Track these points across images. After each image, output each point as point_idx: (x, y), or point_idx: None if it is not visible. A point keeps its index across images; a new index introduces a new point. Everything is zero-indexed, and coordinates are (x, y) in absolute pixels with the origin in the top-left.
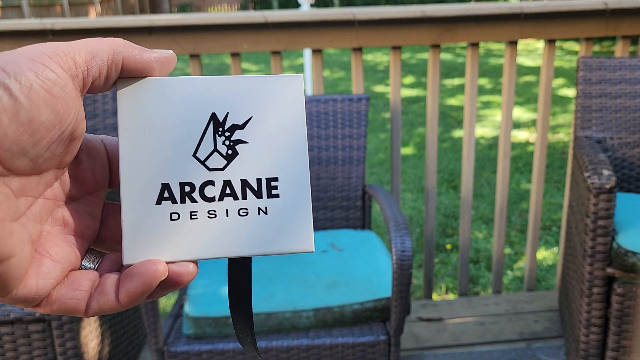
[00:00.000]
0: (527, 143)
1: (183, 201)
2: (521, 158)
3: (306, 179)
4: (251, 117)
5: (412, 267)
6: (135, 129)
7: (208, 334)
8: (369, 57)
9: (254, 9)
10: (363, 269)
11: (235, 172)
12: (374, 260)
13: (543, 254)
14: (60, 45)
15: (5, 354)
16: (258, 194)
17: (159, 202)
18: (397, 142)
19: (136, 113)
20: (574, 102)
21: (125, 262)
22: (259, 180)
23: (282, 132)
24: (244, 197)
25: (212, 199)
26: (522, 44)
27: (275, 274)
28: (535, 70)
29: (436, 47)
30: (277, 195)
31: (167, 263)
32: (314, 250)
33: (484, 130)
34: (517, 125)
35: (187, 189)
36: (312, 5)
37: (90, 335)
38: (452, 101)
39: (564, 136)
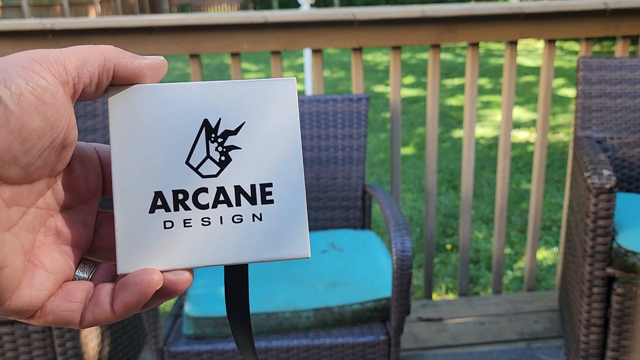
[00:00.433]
0: (527, 143)
1: (177, 209)
2: (521, 158)
3: (301, 183)
4: (244, 122)
5: (412, 267)
6: (127, 137)
7: (208, 334)
8: (369, 57)
9: (254, 9)
10: (363, 269)
11: (229, 179)
12: (374, 260)
13: (543, 254)
14: (51, 52)
15: (5, 354)
16: (252, 200)
17: (152, 211)
18: (397, 142)
19: (128, 121)
20: (574, 102)
21: (120, 271)
22: (252, 187)
23: (275, 137)
24: (238, 203)
25: (205, 207)
26: (522, 44)
27: (275, 274)
28: (535, 70)
29: (436, 47)
30: (271, 201)
31: (162, 272)
32: (309, 256)
33: (484, 130)
34: (517, 125)
35: (181, 196)
36: (312, 5)
37: (90, 335)
38: (452, 101)
39: (564, 136)
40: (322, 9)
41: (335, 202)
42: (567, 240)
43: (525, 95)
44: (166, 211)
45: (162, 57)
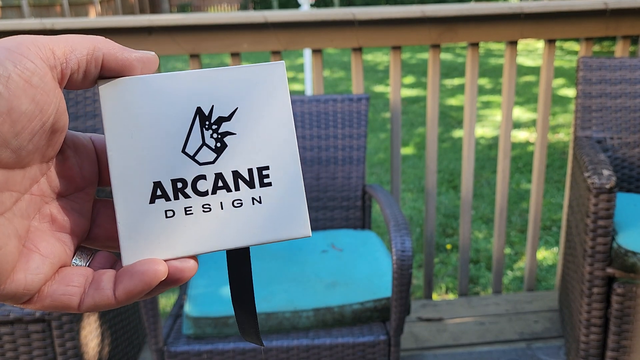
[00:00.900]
0: (527, 143)
1: (177, 198)
2: (521, 158)
3: (297, 164)
4: (237, 108)
5: (412, 267)
6: (121, 129)
7: (208, 334)
8: (369, 57)
9: (254, 9)
10: (363, 269)
11: (226, 164)
12: (374, 260)
13: (543, 254)
14: (40, 37)
15: (5, 354)
16: (250, 184)
17: (152, 201)
18: (397, 142)
19: (121, 113)
20: (574, 102)
21: (125, 263)
22: (250, 171)
23: (268, 121)
24: (237, 188)
25: (205, 193)
26: (522, 44)
27: (275, 274)
28: (535, 70)
29: (436, 47)
30: (269, 184)
31: (167, 260)
32: (310, 235)
33: (484, 130)
34: (517, 125)
35: (180, 185)
36: (312, 5)
37: (90, 335)
38: (452, 101)
39: (564, 136)
40: (322, 9)
41: (335, 202)
42: (567, 240)
43: (525, 95)
44: (166, 200)
45: (152, 53)
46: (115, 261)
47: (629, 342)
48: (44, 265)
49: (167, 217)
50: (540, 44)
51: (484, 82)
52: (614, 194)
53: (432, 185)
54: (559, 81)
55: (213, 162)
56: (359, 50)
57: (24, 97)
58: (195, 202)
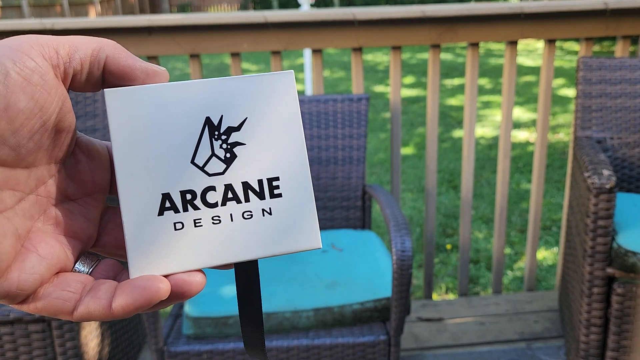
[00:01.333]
0: (527, 143)
1: (186, 210)
2: (521, 158)
3: (307, 175)
4: (246, 118)
5: (412, 267)
6: (128, 139)
7: (208, 334)
8: (369, 57)
9: (254, 9)
10: (363, 269)
11: (236, 175)
12: (374, 260)
13: (543, 254)
14: (45, 36)
15: (5, 354)
16: (260, 195)
17: (161, 213)
18: (397, 142)
19: (128, 122)
20: (574, 102)
21: (133, 276)
22: (260, 181)
23: (278, 130)
24: (247, 199)
25: (214, 205)
26: (522, 44)
27: (275, 274)
28: (535, 70)
29: (436, 47)
30: (279, 195)
31: (175, 274)
32: (321, 247)
33: (484, 130)
34: (517, 125)
35: (189, 196)
36: (312, 5)
37: (90, 335)
38: (452, 101)
39: (564, 136)
40: (322, 9)
41: (335, 202)
42: (567, 240)
43: (525, 95)
44: (175, 212)
45: (163, 68)
46: (120, 271)
47: (629, 342)
48: (41, 266)
49: (176, 229)
50: (540, 44)
51: (484, 82)
52: (614, 194)
53: (432, 185)
54: (559, 81)
55: (222, 173)
56: (359, 50)
57: (22, 94)
58: (205, 214)
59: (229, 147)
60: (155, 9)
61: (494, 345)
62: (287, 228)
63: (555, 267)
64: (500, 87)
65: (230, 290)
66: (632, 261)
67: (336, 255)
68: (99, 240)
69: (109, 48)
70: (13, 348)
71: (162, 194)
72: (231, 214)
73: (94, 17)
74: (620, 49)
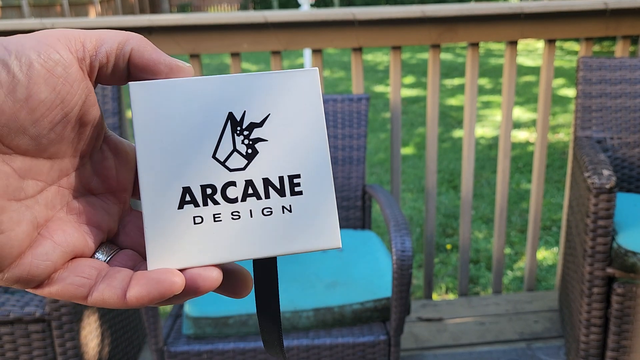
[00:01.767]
0: (527, 143)
1: (205, 204)
2: (521, 158)
3: (329, 173)
4: (269, 114)
5: (412, 267)
6: (151, 131)
7: (208, 334)
8: (369, 57)
9: (254, 9)
10: (363, 269)
11: (257, 171)
12: (374, 260)
13: (543, 254)
14: (73, 30)
15: (5, 354)
16: (281, 192)
17: (181, 207)
18: (397, 142)
19: (151, 115)
20: (574, 102)
21: (150, 268)
22: (281, 178)
23: (301, 128)
24: (267, 196)
25: (234, 200)
26: (522, 44)
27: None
28: (535, 70)
29: (436, 47)
30: (300, 193)
31: (192, 268)
32: (340, 247)
33: (484, 130)
34: (517, 125)
35: (209, 191)
36: (312, 5)
37: (90, 335)
38: (452, 101)
39: (564, 136)
40: (322, 9)
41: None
42: (567, 240)
43: (525, 95)
44: (195, 206)
45: (188, 64)
46: (139, 262)
47: (629, 342)
48: (54, 252)
49: (195, 223)
50: (540, 44)
51: (484, 82)
52: (614, 194)
53: (432, 185)
54: (559, 81)
55: (244, 169)
56: (359, 50)
57: (44, 85)
58: (225, 209)
59: (250, 142)
60: (155, 9)
61: (494, 345)
62: (307, 226)
63: (555, 267)
64: (500, 87)
65: None
66: (632, 261)
67: (336, 255)
68: (117, 239)
69: (135, 41)
70: (13, 348)
71: (183, 187)
72: (251, 210)
73: (94, 17)
74: (620, 49)
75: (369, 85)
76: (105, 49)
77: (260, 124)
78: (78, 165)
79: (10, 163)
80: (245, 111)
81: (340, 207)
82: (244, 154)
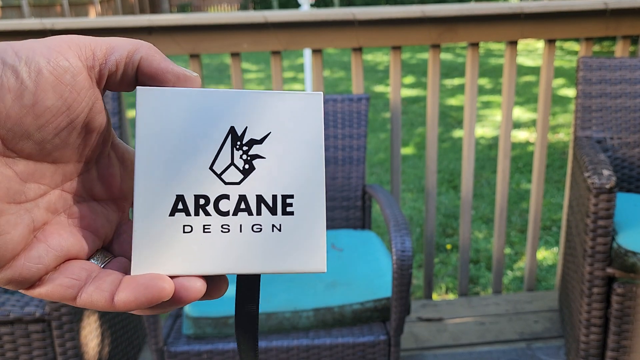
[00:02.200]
0: (527, 143)
1: (197, 214)
2: (521, 158)
3: (322, 197)
4: (270, 132)
5: (412, 267)
6: (152, 136)
7: (208, 334)
8: (369, 57)
9: (254, 9)
10: (363, 269)
11: (251, 187)
12: (374, 260)
13: (543, 254)
14: (84, 37)
15: (5, 354)
16: (273, 211)
17: (172, 214)
18: (397, 142)
19: (155, 122)
20: (574, 102)
21: (134, 273)
22: (274, 197)
23: (299, 150)
24: (259, 212)
25: (226, 213)
26: (522, 44)
27: (276, 274)
28: (535, 70)
29: (436, 47)
30: (292, 213)
31: (176, 276)
32: (325, 271)
33: (484, 130)
34: (517, 125)
35: (202, 201)
36: (312, 5)
37: (90, 335)
38: (452, 101)
39: (564, 136)
40: (322, 9)
41: (335, 202)
42: (567, 240)
43: (525, 95)
44: (186, 215)
45: (195, 74)
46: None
47: (629, 342)
48: (47, 256)
49: (184, 232)
50: (540, 44)
51: (484, 82)
52: (614, 194)
53: (432, 185)
54: (559, 81)
55: (239, 183)
56: (359, 50)
57: (51, 92)
58: (215, 221)
59: (249, 158)
60: (155, 9)
61: (494, 345)
62: (295, 247)
63: (555, 267)
64: (500, 87)
65: (230, 290)
66: (632, 261)
67: (336, 255)
68: (111, 246)
69: (144, 50)
70: (13, 348)
71: (177, 195)
72: (241, 225)
73: (94, 17)
74: (620, 49)
75: (369, 85)
76: (115, 57)
77: (260, 141)
78: (82, 170)
79: (13, 166)
80: (247, 127)
81: (340, 207)
82: (241, 168)
